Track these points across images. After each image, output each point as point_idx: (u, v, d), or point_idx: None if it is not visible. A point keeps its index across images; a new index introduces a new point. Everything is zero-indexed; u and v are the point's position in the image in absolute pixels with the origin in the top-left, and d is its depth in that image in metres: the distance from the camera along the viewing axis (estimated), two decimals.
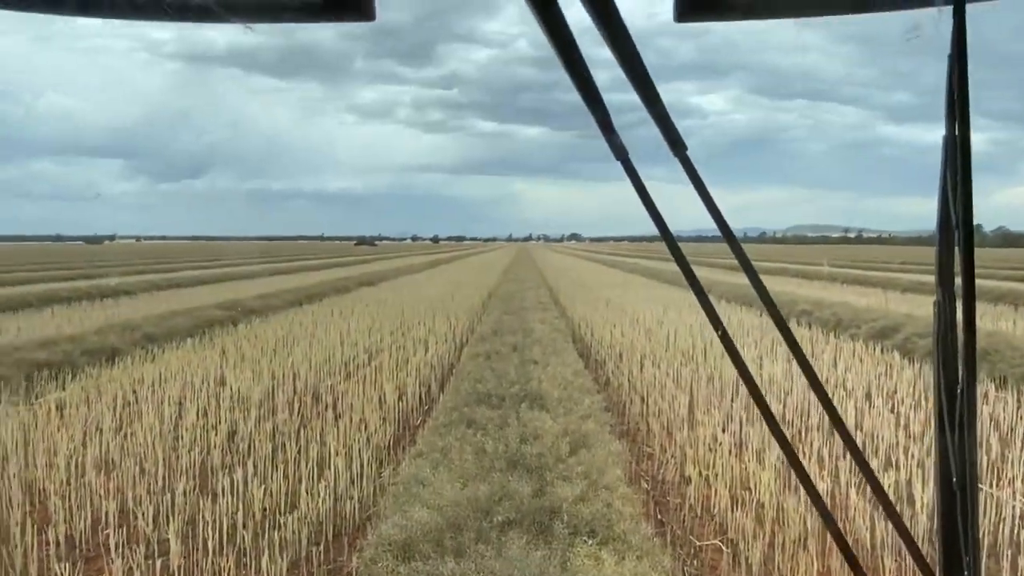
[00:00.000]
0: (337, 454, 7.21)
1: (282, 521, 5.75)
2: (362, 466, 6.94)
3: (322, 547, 5.53)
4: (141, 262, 55.23)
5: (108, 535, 5.55)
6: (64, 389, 10.35)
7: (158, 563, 5.20)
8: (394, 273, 40.45)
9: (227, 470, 6.93)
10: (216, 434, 8.04)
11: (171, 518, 5.76)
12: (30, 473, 6.88)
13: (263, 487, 6.34)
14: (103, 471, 6.99)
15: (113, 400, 9.62)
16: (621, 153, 1.00)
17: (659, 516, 6.19)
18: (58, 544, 5.44)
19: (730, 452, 7.42)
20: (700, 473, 6.90)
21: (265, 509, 6.08)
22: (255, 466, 6.99)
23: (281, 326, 16.89)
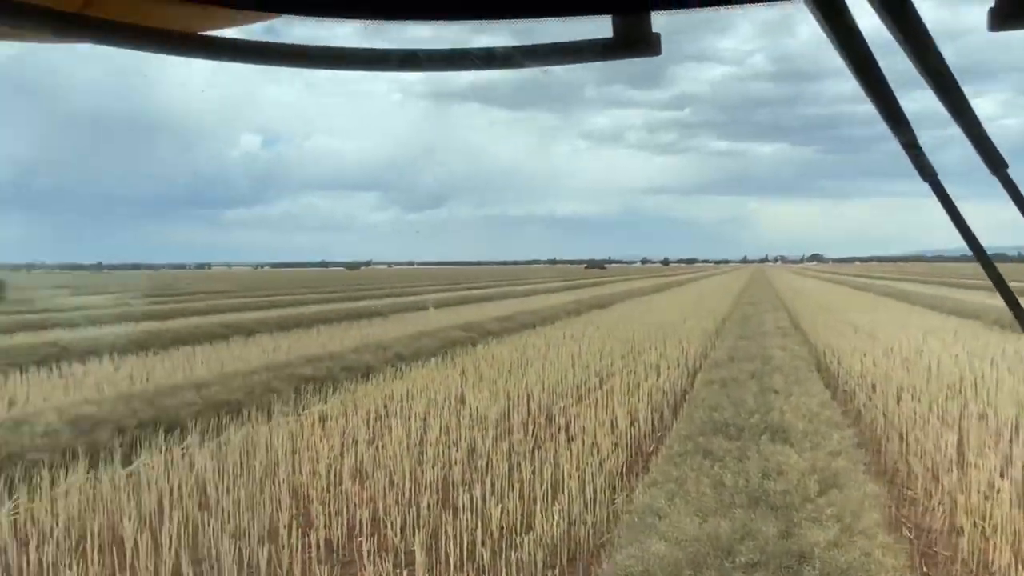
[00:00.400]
0: (570, 477, 7.22)
1: (518, 541, 5.83)
2: (595, 491, 6.89)
3: (557, 571, 5.53)
4: (391, 286, 59.77)
5: (361, 543, 5.94)
6: (326, 402, 11.36)
7: (404, 573, 5.47)
8: (624, 296, 40.42)
9: (467, 487, 7.18)
10: (456, 451, 8.38)
11: (417, 530, 6.06)
12: (296, 479, 7.58)
13: (500, 506, 6.49)
14: (358, 480, 7.53)
15: (367, 414, 10.38)
16: (929, 173, 0.86)
17: (926, 570, 5.53)
18: (318, 548, 5.91)
19: (1012, 502, 6.48)
20: (975, 524, 6.09)
21: (502, 528, 6.21)
22: (492, 484, 7.18)
23: (516, 347, 17.42)
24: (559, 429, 9.57)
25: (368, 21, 0.88)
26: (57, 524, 6.12)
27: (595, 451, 8.34)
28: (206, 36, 0.91)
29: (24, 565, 5.50)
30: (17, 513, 6.50)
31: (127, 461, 8.08)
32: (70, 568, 5.39)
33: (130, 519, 6.17)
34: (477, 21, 0.88)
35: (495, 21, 0.87)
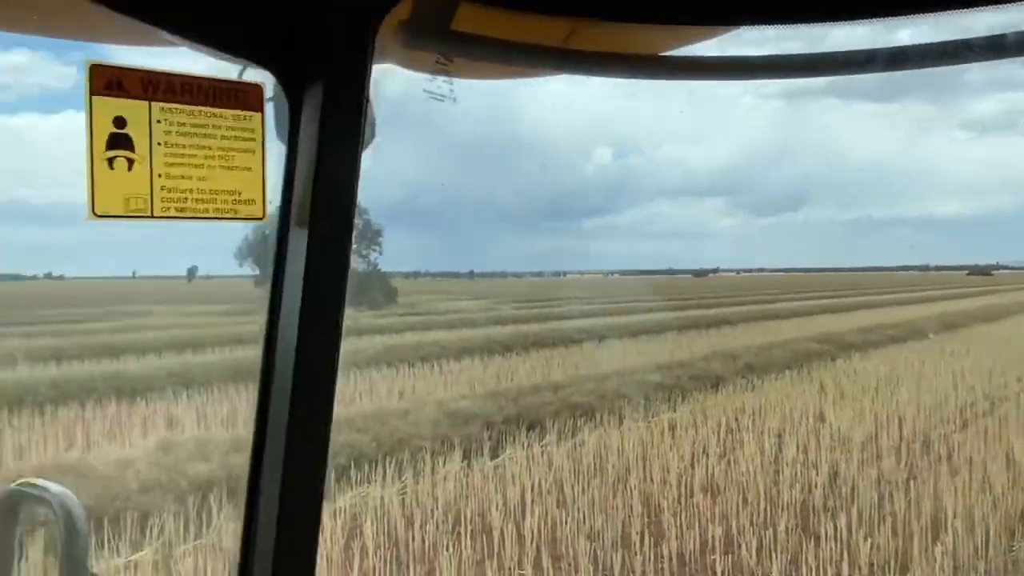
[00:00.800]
0: (955, 515, 6.31)
1: None
2: (987, 534, 5.94)
3: None
4: (740, 294, 58.15)
5: (714, 560, 5.75)
6: (675, 411, 11.31)
7: None
8: (1018, 308, 34.73)
9: (829, 513, 6.63)
10: (816, 473, 7.80)
11: (773, 554, 5.72)
12: (647, 487, 7.61)
13: (869, 540, 5.87)
14: (709, 494, 7.34)
15: (717, 426, 10.13)
16: None
17: None
18: (671, 560, 5.84)
19: None
20: None
21: (871, 564, 5.61)
22: (859, 514, 6.54)
23: (883, 363, 15.82)
24: (939, 458, 8.46)
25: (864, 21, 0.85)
26: (437, 507, 6.83)
27: (986, 487, 7.21)
28: (673, 57, 0.90)
29: (409, 541, 6.20)
30: (405, 493, 7.39)
31: (494, 454, 8.79)
32: (447, 549, 5.97)
33: (497, 509, 6.67)
34: (967, 10, 0.78)
35: (981, 9, 0.76)
